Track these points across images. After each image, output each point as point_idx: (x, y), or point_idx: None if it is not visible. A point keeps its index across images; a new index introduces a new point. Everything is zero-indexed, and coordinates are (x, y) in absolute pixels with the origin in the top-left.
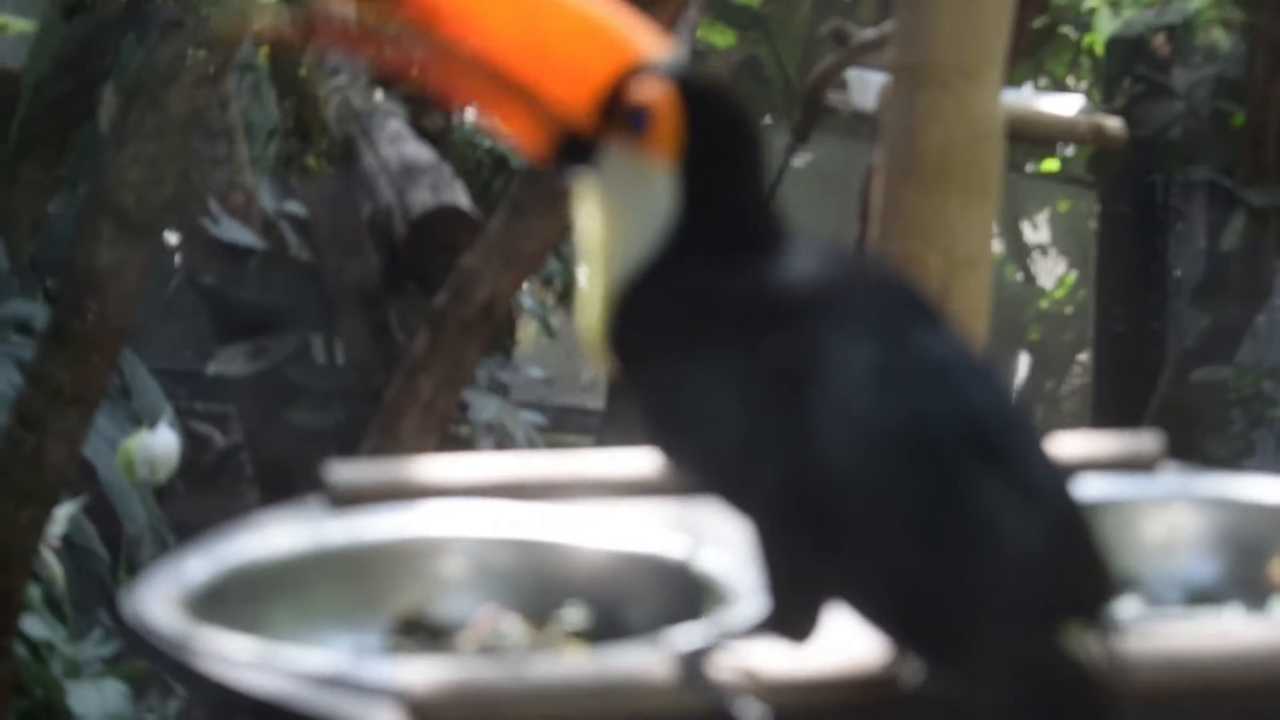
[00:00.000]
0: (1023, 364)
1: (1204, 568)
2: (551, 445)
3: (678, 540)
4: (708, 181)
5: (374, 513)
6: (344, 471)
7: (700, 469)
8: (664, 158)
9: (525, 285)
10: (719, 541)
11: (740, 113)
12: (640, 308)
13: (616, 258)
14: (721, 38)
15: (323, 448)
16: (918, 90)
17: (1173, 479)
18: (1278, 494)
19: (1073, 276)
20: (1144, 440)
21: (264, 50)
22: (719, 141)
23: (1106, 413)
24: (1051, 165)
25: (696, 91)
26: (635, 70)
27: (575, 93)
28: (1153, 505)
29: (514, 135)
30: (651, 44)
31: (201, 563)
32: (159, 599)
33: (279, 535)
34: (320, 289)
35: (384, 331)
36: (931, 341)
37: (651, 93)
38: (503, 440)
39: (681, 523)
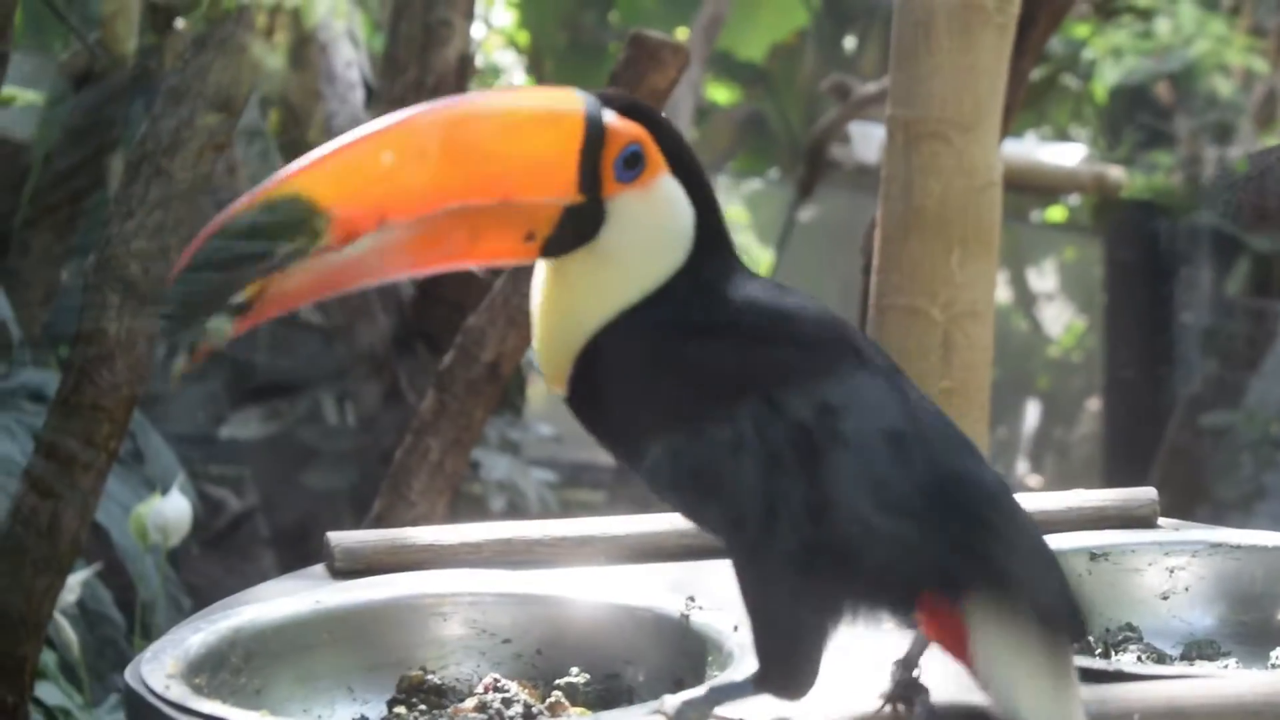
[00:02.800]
0: (1032, 412)
1: (1201, 619)
2: (563, 502)
3: (677, 603)
4: (699, 184)
5: (375, 581)
6: (345, 540)
7: (712, 519)
8: (664, 180)
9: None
10: (718, 603)
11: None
12: (651, 351)
13: (615, 300)
14: (726, 94)
15: (336, 509)
16: (915, 144)
17: (1170, 533)
18: (1274, 546)
19: (1080, 324)
20: (1142, 494)
21: (272, 114)
22: (681, 145)
23: (1117, 459)
24: (1057, 214)
25: (643, 112)
26: (589, 125)
27: (553, 181)
28: (1150, 558)
29: (507, 255)
30: (564, 96)
31: (204, 633)
32: (162, 670)
33: (281, 604)
34: (331, 352)
35: (394, 392)
36: (918, 396)
37: (628, 133)
38: (514, 498)
39: (681, 585)
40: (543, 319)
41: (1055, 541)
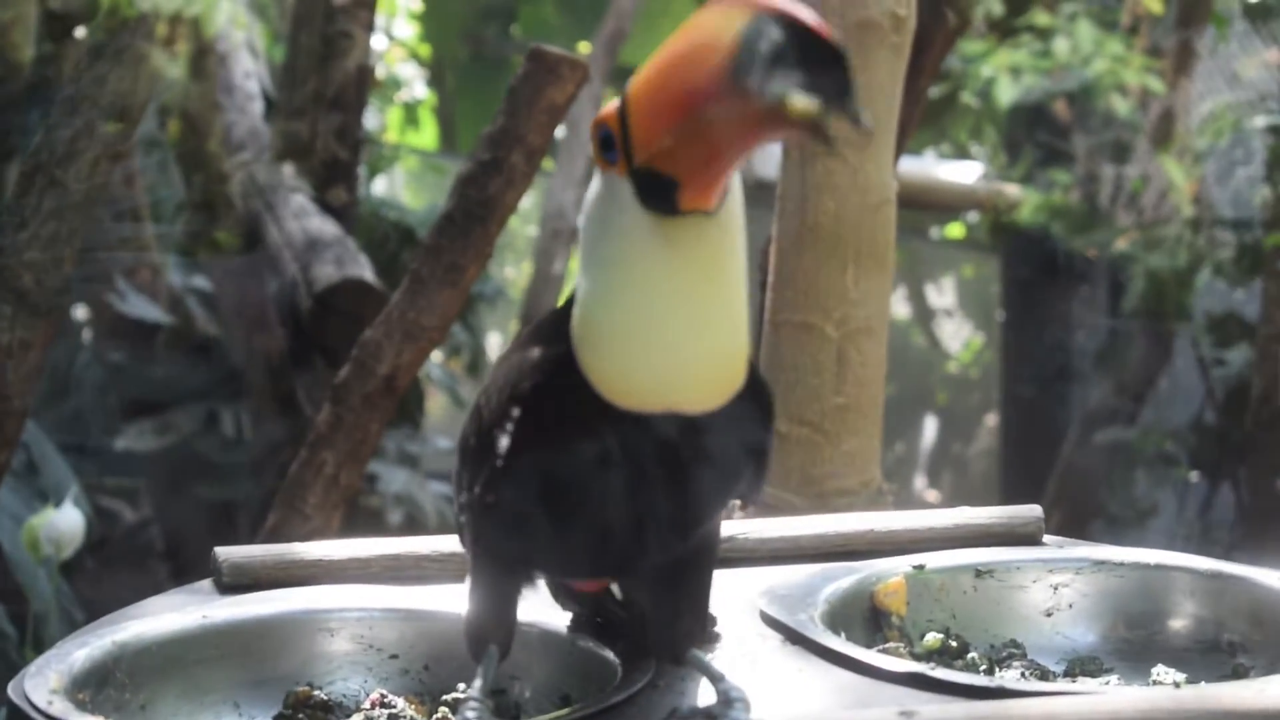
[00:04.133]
0: (930, 427)
1: (1085, 636)
2: None
3: (562, 619)
4: None
5: (262, 596)
6: (233, 555)
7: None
8: None
9: (433, 356)
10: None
11: None
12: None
13: (742, 292)
14: None
15: (232, 521)
16: (810, 161)
17: (1054, 550)
18: (1156, 564)
19: (978, 340)
20: (1027, 512)
21: (171, 125)
22: None
23: (1014, 475)
24: (955, 230)
25: None
26: None
27: None
28: (1035, 575)
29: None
30: None
31: (89, 648)
32: (45, 685)
33: (167, 619)
34: (227, 363)
35: (291, 405)
36: None
37: None
38: (412, 511)
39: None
40: (703, 299)
41: (942, 558)
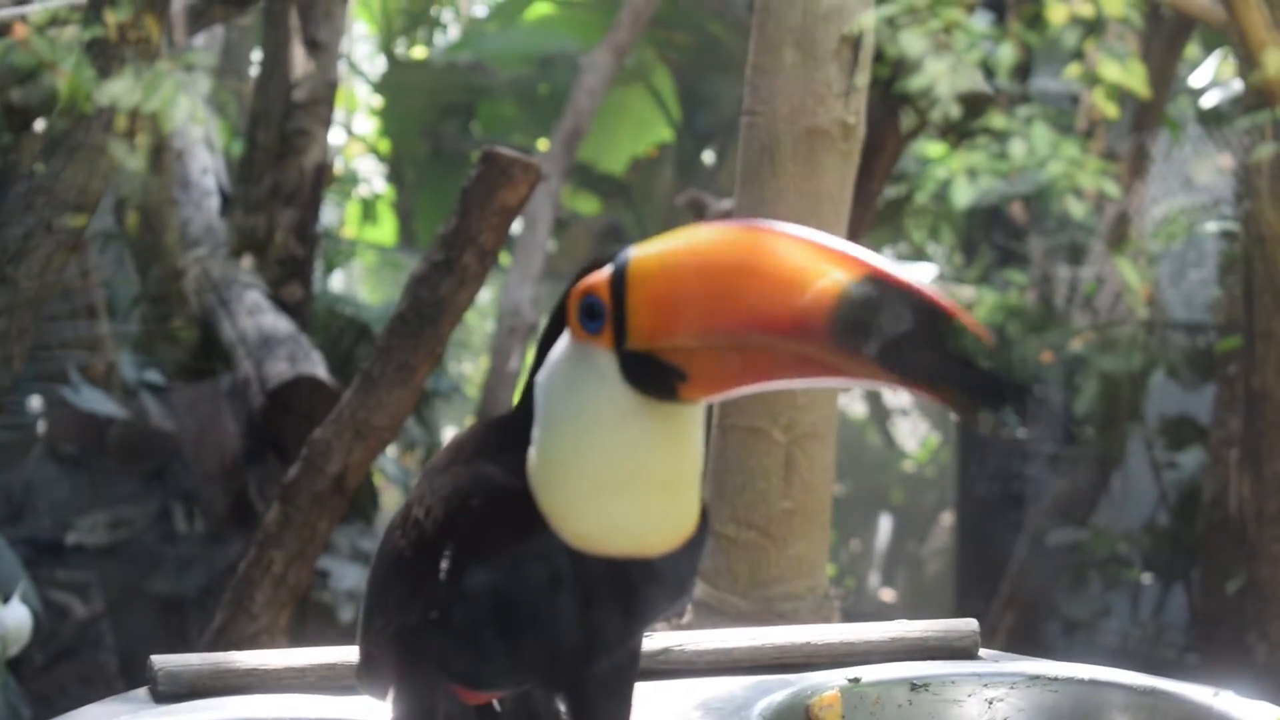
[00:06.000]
0: (885, 525)
1: None
2: None
3: None
4: None
5: (198, 705)
6: (168, 663)
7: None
8: None
9: (387, 451)
10: None
11: None
12: None
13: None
14: (586, 205)
15: (184, 616)
16: None
17: (989, 664)
18: (1090, 679)
19: (935, 439)
20: (963, 625)
21: (129, 218)
22: None
23: (968, 574)
24: None
25: None
26: None
27: None
28: (970, 689)
29: None
30: None
31: None
32: None
33: None
34: (180, 458)
35: (243, 501)
36: None
37: None
38: None
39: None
40: (673, 464)
41: (878, 671)
